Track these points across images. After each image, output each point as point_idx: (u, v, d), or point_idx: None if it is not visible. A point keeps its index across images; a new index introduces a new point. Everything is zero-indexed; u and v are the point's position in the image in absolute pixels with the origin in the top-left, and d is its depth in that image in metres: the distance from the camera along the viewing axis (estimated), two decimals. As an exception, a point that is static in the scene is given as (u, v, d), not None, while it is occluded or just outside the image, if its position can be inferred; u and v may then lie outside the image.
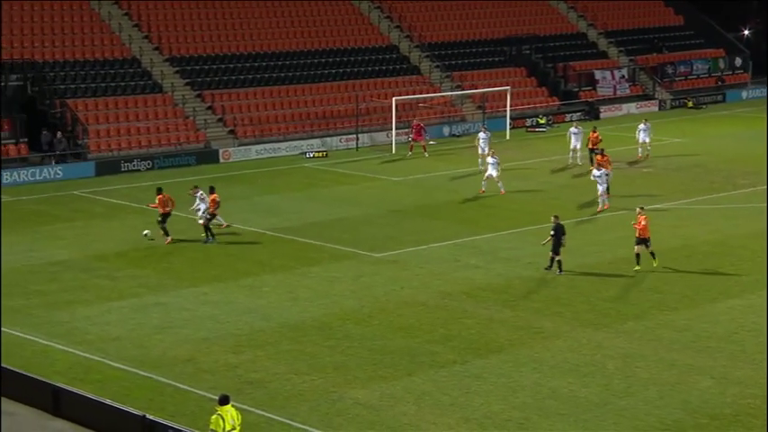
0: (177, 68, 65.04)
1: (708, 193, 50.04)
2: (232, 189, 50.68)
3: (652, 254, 37.19)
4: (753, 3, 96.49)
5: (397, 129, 62.79)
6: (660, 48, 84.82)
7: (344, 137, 64.00)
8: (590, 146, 55.36)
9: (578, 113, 73.27)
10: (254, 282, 36.33)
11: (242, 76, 66.38)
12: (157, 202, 41.65)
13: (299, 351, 29.73)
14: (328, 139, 63.61)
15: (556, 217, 37.35)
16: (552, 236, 36.84)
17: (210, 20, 69.26)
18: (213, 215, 41.38)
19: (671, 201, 48.63)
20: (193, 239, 41.62)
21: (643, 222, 36.94)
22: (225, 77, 65.92)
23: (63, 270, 37.81)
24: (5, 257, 38.97)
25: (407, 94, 67.41)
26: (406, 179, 54.37)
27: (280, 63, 68.49)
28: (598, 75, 78.15)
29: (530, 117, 71.31)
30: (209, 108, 63.68)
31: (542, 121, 70.76)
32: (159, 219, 41.46)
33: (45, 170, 54.62)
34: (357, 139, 63.74)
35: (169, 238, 41.17)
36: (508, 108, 67.62)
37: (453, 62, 74.59)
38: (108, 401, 24.95)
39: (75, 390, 25.78)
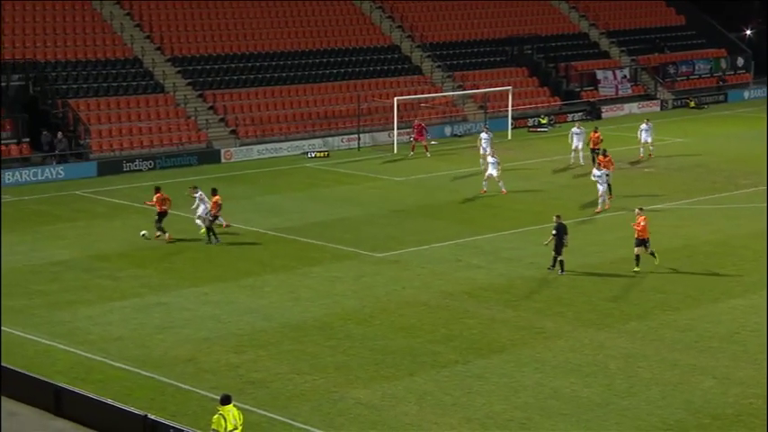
0: (179, 68, 65.04)
1: (710, 193, 50.02)
2: (234, 189, 50.69)
3: (652, 253, 37.14)
4: (754, 3, 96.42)
5: (398, 129, 62.79)
6: (662, 48, 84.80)
7: (346, 137, 63.99)
8: (591, 146, 55.37)
9: (580, 113, 73.25)
10: (256, 282, 36.32)
11: (244, 76, 66.38)
12: (155, 200, 41.72)
13: (301, 351, 29.72)
14: (330, 138, 63.61)
15: (558, 217, 37.33)
16: (554, 236, 36.81)
17: (212, 20, 69.25)
18: (216, 217, 41.30)
19: (673, 201, 48.61)
20: (193, 239, 41.63)
21: (642, 223, 36.90)
22: (226, 77, 65.92)
23: (65, 270, 37.81)
24: (7, 257, 38.99)
25: (409, 94, 67.40)
26: (408, 179, 54.36)
27: (281, 63, 68.49)
28: (600, 75, 78.12)
29: (531, 117, 71.29)
30: (211, 108, 63.69)
31: (544, 121, 70.75)
32: (156, 218, 41.54)
33: (47, 170, 54.63)
34: (359, 139, 63.73)
35: (167, 235, 41.23)
36: (510, 108, 67.60)
37: (455, 62, 74.58)
38: (109, 401, 24.94)
39: (76, 389, 25.78)
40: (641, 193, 49.35)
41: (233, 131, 62.51)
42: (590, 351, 29.64)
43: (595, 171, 46.91)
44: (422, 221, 45.02)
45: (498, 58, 76.82)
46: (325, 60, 70.11)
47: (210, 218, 41.08)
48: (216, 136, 61.83)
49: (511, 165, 55.50)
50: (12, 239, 41.71)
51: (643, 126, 58.57)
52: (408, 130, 62.77)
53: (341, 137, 63.93)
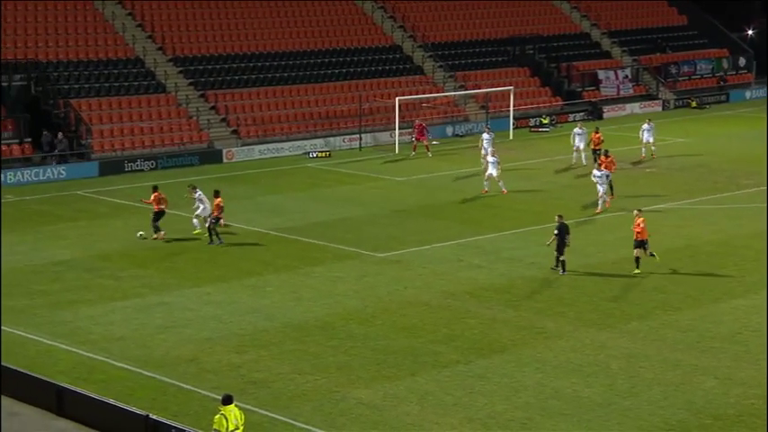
0: (181, 68, 65.06)
1: (711, 193, 50.01)
2: (235, 189, 50.70)
3: (652, 254, 37.04)
4: (756, 3, 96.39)
5: (400, 129, 62.80)
6: (664, 48, 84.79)
7: (348, 137, 64.01)
8: (592, 147, 55.36)
9: (581, 113, 73.23)
10: (258, 282, 36.33)
11: (245, 76, 66.40)
12: (152, 198, 41.77)
13: (303, 351, 29.73)
14: (331, 138, 63.62)
15: (560, 216, 37.32)
16: (556, 235, 36.82)
17: (214, 20, 69.27)
18: (218, 219, 41.21)
19: (674, 201, 48.61)
20: (192, 239, 41.65)
21: (642, 225, 36.85)
22: (228, 77, 65.94)
23: (66, 270, 37.83)
24: (9, 257, 39.01)
25: (411, 94, 67.43)
26: (410, 179, 54.37)
27: (283, 63, 68.51)
28: (601, 75, 78.12)
29: (533, 117, 71.30)
30: (213, 108, 63.72)
31: (545, 121, 70.76)
32: (152, 217, 41.59)
33: (48, 170, 54.66)
34: (360, 138, 63.74)
35: (162, 233, 41.28)
36: (511, 108, 67.58)
37: (456, 62, 74.59)
38: (111, 401, 24.95)
39: (78, 389, 25.79)
40: (643, 194, 49.35)
41: (234, 131, 62.54)
42: (591, 351, 29.63)
43: (596, 172, 46.90)
44: (423, 221, 45.02)
45: (500, 58, 76.82)
46: (326, 60, 70.12)
47: (213, 220, 41.02)
48: (217, 136, 61.85)
49: (512, 165, 55.52)
50: (13, 239, 41.73)
51: (645, 126, 58.56)
52: (410, 130, 62.81)
53: (342, 137, 63.95)
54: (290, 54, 69.44)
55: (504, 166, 50.66)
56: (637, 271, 36.77)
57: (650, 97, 79.83)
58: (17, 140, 56.53)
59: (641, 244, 36.90)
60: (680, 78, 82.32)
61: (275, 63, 68.23)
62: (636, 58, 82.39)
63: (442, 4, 78.76)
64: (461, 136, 67.32)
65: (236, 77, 66.12)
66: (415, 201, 49.10)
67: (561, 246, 36.78)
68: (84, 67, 62.23)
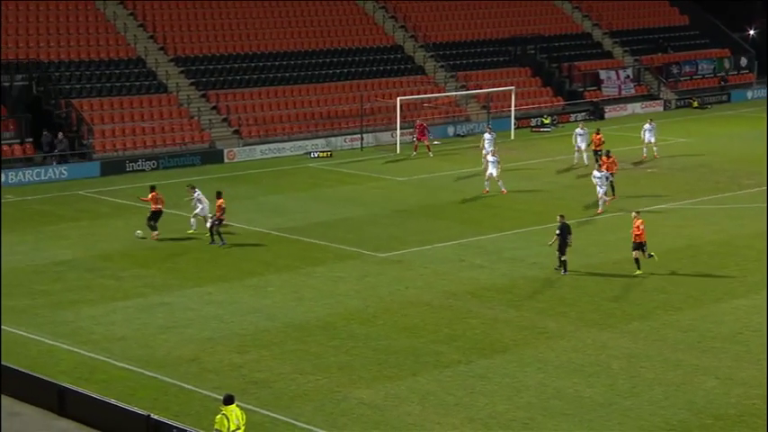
0: (182, 68, 65.09)
1: (713, 193, 50.00)
2: (237, 189, 50.72)
3: (650, 255, 36.96)
4: (758, 2, 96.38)
5: (401, 129, 62.82)
6: (665, 48, 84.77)
7: (349, 137, 64.03)
8: (593, 148, 55.33)
9: (583, 113, 73.23)
10: (259, 282, 36.34)
11: (247, 76, 66.42)
12: (149, 197, 41.81)
13: (304, 351, 29.74)
14: (333, 138, 63.64)
15: (562, 216, 37.30)
16: (558, 235, 36.82)
17: (215, 20, 69.29)
18: (221, 220, 41.17)
19: (676, 201, 48.60)
20: (193, 239, 41.67)
21: (641, 227, 36.79)
22: (230, 77, 65.96)
23: (68, 270, 37.85)
24: (10, 257, 39.04)
25: (412, 94, 67.44)
26: (411, 179, 54.38)
27: (284, 63, 68.52)
28: (603, 75, 78.13)
29: (534, 117, 71.29)
30: (214, 108, 63.73)
31: (547, 121, 70.76)
32: (149, 215, 41.64)
33: (50, 170, 54.69)
34: (362, 138, 63.76)
35: (155, 233, 41.32)
36: (513, 108, 67.58)
37: (458, 62, 74.59)
38: (113, 401, 24.97)
39: (80, 389, 25.81)
40: (644, 194, 49.35)
41: (236, 131, 62.55)
42: (593, 351, 29.64)
43: (596, 173, 46.86)
44: (425, 221, 45.03)
45: (501, 58, 76.82)
46: (328, 60, 70.13)
47: (216, 221, 40.98)
48: (219, 136, 61.87)
49: (514, 165, 55.54)
50: (15, 239, 41.76)
51: (646, 126, 58.56)
52: (411, 130, 62.82)
53: (344, 137, 63.96)
54: (292, 54, 69.46)
55: (505, 166, 50.64)
56: (638, 272, 36.74)
57: (652, 97, 79.82)
58: (18, 140, 56.56)
59: (639, 246, 36.83)
60: (681, 78, 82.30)
61: (277, 63, 68.25)
62: (637, 58, 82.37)
63: (444, 4, 78.77)
64: (463, 136, 67.32)
65: (238, 77, 66.13)
66: (416, 201, 49.11)
67: (563, 246, 36.79)
68: (85, 68, 62.25)
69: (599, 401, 26.31)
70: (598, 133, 55.97)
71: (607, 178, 46.55)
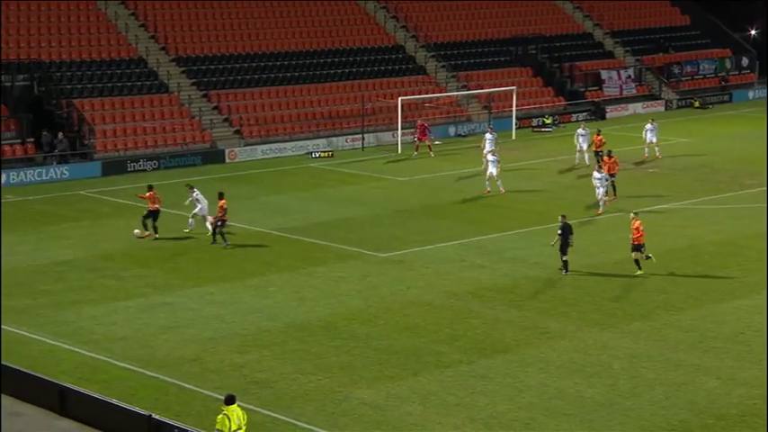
0: (183, 68, 65.09)
1: (714, 193, 49.99)
2: (238, 189, 50.72)
3: (648, 257, 36.90)
4: (759, 2, 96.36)
5: (402, 129, 62.82)
6: (666, 48, 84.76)
7: (350, 137, 64.02)
8: (594, 148, 55.31)
9: (584, 113, 73.19)
10: (260, 282, 36.35)
11: (248, 76, 66.43)
12: (147, 195, 41.84)
13: (305, 351, 29.74)
14: (334, 138, 63.63)
15: (563, 216, 37.29)
16: (560, 235, 36.81)
17: (216, 20, 69.30)
18: (223, 221, 41.11)
19: (677, 201, 48.59)
20: (193, 238, 41.67)
21: (641, 228, 36.74)
22: (231, 77, 65.97)
23: (69, 270, 37.86)
24: (12, 257, 39.06)
25: (413, 94, 67.44)
26: (412, 179, 54.37)
27: (285, 63, 68.53)
28: (604, 75, 78.11)
29: (536, 117, 71.29)
30: (215, 108, 63.74)
31: (548, 121, 70.75)
32: (145, 214, 41.65)
33: (51, 170, 54.69)
34: (363, 138, 63.75)
35: (147, 233, 41.34)
36: (514, 108, 67.59)
37: (459, 62, 74.59)
38: (114, 401, 24.97)
39: (81, 389, 25.81)
40: (646, 194, 49.34)
41: (237, 131, 62.56)
42: (594, 351, 29.63)
43: (596, 174, 46.80)
44: (426, 221, 45.03)
45: (502, 58, 76.82)
46: (329, 60, 70.14)
47: (218, 222, 40.94)
48: (220, 136, 61.88)
49: (515, 165, 55.54)
50: (16, 239, 41.77)
51: (648, 126, 58.54)
52: (412, 130, 62.83)
53: (345, 137, 63.96)
54: (293, 54, 69.46)
55: (506, 166, 50.62)
56: (639, 272, 36.72)
57: (653, 97, 79.80)
58: (20, 140, 56.57)
59: (638, 248, 36.78)
60: (683, 78, 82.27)
61: (278, 63, 68.25)
62: (639, 58, 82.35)
63: (445, 4, 78.76)
64: (464, 136, 67.31)
65: (239, 77, 66.14)
66: (417, 201, 49.11)
67: (565, 246, 36.78)
68: (86, 68, 62.27)
69: (600, 401, 26.30)
70: (599, 134, 55.96)
71: (607, 179, 46.55)
